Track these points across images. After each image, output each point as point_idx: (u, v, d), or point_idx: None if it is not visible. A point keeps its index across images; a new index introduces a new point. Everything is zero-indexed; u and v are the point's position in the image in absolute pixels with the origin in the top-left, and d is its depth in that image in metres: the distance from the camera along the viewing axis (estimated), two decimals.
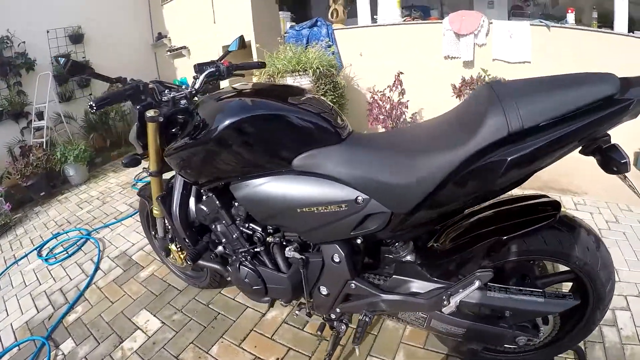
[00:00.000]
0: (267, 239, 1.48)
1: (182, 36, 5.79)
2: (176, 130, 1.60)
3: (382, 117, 3.94)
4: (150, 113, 1.47)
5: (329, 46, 4.66)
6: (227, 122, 1.25)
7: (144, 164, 1.74)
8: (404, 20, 4.66)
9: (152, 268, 2.54)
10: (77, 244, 2.99)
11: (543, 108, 0.93)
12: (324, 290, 1.41)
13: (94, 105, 1.37)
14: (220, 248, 1.65)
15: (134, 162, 1.71)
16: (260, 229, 1.49)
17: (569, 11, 4.23)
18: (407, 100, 4.04)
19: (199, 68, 1.77)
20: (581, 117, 0.92)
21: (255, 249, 1.52)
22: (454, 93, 3.87)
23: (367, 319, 1.46)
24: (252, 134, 1.28)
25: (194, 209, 1.66)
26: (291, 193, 1.25)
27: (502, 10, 5.97)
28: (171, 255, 2.06)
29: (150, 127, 1.53)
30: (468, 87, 3.74)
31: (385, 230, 1.19)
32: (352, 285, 1.32)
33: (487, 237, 1.15)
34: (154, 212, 1.83)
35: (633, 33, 3.92)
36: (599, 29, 4.10)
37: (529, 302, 1.18)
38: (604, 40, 3.98)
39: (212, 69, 1.71)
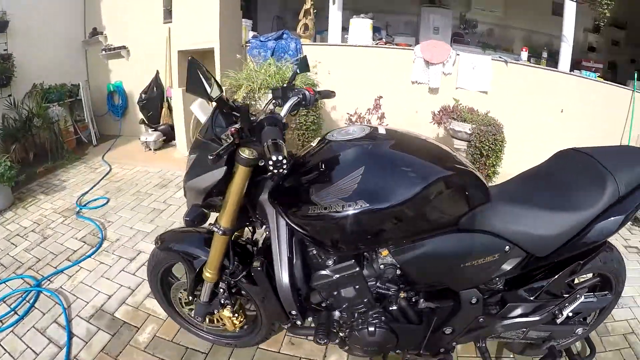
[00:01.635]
0: (400, 294, 1.41)
1: (121, 34, 5.05)
2: (270, 176, 1.33)
3: None
4: (244, 153, 1.19)
5: (297, 61, 4.45)
6: (419, 186, 1.18)
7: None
8: (377, 44, 4.66)
9: (151, 328, 2.07)
10: (27, 299, 2.31)
11: (637, 175, 1.34)
12: (448, 330, 1.45)
13: (283, 161, 1.05)
14: (337, 314, 1.44)
15: (200, 218, 1.34)
16: (396, 287, 1.40)
17: (523, 50, 4.64)
18: (387, 125, 4.03)
19: (282, 93, 1.49)
20: None
21: (391, 307, 1.42)
22: (434, 120, 3.96)
23: (484, 344, 1.56)
24: (441, 197, 1.24)
25: (299, 275, 1.40)
26: (459, 250, 1.31)
27: (446, 37, 6.32)
28: (207, 320, 1.73)
29: (242, 173, 1.25)
30: (448, 116, 3.84)
31: (515, 270, 1.38)
32: (481, 319, 1.45)
33: (570, 263, 1.43)
34: (207, 276, 1.49)
35: (572, 72, 4.49)
36: (546, 67, 4.60)
37: (591, 303, 1.55)
38: (550, 76, 4.50)
39: (299, 97, 1.45)
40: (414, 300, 1.43)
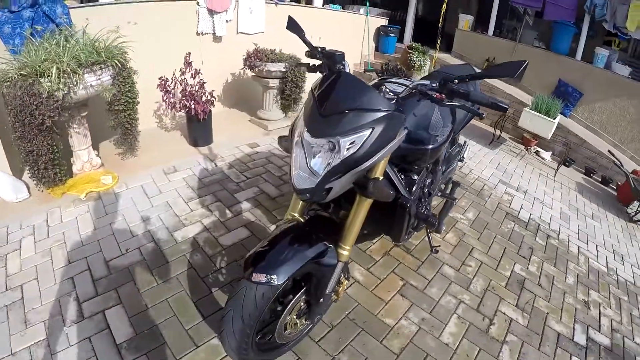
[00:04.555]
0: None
1: None
2: None
3: (179, 101, 4.05)
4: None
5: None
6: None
7: None
8: None
9: None
10: None
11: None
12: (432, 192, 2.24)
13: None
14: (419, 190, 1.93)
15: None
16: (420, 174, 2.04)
17: None
18: (205, 82, 4.16)
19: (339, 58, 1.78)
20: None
21: (422, 187, 2.04)
22: (246, 66, 4.41)
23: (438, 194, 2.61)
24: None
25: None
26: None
27: None
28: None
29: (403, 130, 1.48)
30: (259, 59, 4.35)
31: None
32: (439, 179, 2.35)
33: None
34: (344, 254, 1.51)
35: (323, 6, 5.70)
36: (305, 5, 5.63)
37: (459, 151, 2.83)
38: (308, 11, 5.57)
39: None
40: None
